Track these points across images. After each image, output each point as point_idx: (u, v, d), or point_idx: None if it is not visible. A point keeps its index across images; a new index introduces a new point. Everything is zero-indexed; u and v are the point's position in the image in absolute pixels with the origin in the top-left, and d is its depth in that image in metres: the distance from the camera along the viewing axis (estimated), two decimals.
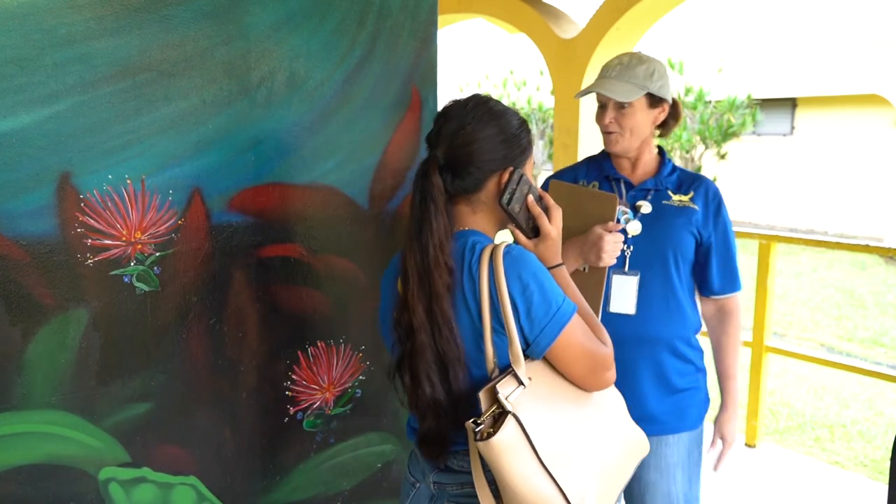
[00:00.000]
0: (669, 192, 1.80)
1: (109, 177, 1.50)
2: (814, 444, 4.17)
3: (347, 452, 1.98)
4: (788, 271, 9.17)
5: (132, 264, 1.56)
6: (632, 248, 1.74)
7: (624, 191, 1.82)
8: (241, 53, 1.64)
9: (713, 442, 1.93)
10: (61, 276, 1.48)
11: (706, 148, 12.09)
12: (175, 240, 1.61)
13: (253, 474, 1.81)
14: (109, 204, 1.51)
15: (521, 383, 1.20)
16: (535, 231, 1.35)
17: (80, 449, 1.55)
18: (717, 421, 1.92)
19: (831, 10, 12.35)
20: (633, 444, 1.36)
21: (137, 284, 1.58)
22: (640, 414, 1.69)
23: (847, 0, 12.13)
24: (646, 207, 1.77)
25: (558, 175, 1.96)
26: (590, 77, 4.18)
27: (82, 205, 1.48)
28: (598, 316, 1.65)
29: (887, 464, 2.03)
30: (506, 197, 1.28)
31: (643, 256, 1.75)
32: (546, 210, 1.35)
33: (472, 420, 1.19)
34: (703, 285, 1.85)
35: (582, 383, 1.28)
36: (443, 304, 1.24)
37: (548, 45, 4.40)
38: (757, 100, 11.80)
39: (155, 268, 1.59)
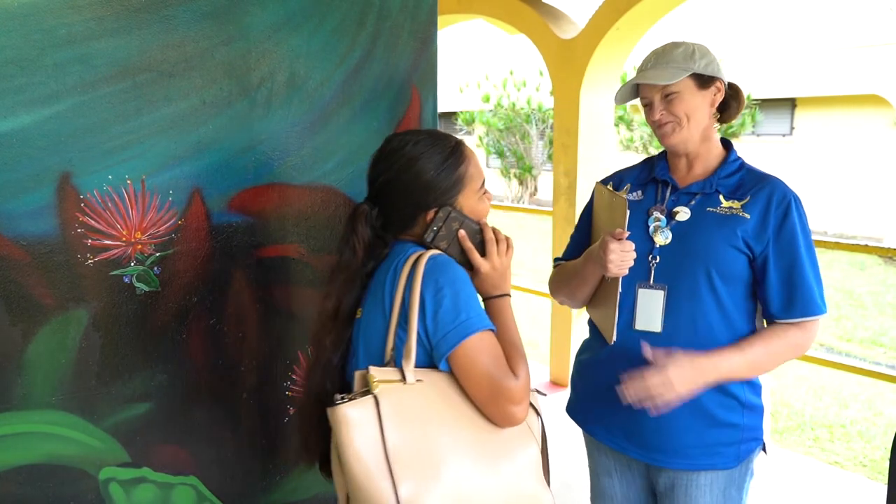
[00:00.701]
0: (721, 197, 1.56)
1: (109, 177, 1.50)
2: (813, 444, 4.18)
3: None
4: None
5: (132, 264, 1.56)
6: (658, 258, 1.55)
7: (667, 195, 1.61)
8: (242, 54, 1.64)
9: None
10: (61, 276, 1.48)
11: None
12: (175, 240, 1.61)
13: (253, 474, 1.81)
14: (109, 204, 1.51)
15: (403, 378, 1.22)
16: (468, 261, 1.35)
17: (80, 449, 1.55)
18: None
19: (830, 10, 12.36)
20: (525, 500, 1.27)
21: (137, 285, 1.58)
22: (666, 445, 1.55)
23: (846, 0, 12.14)
24: (683, 214, 1.56)
25: (611, 177, 1.77)
26: (590, 77, 4.18)
27: (82, 205, 1.48)
28: (611, 334, 1.55)
29: (886, 464, 2.03)
30: (429, 235, 1.31)
31: (671, 270, 1.54)
32: (482, 243, 1.35)
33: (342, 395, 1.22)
34: (763, 307, 1.55)
35: (485, 410, 1.24)
36: (326, 345, 1.36)
37: (547, 46, 4.40)
38: (756, 100, 11.81)
39: (155, 268, 1.59)
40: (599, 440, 1.68)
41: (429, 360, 1.26)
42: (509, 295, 1.37)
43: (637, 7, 3.88)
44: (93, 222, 1.50)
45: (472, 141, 15.93)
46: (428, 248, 1.31)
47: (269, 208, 1.74)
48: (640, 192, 1.65)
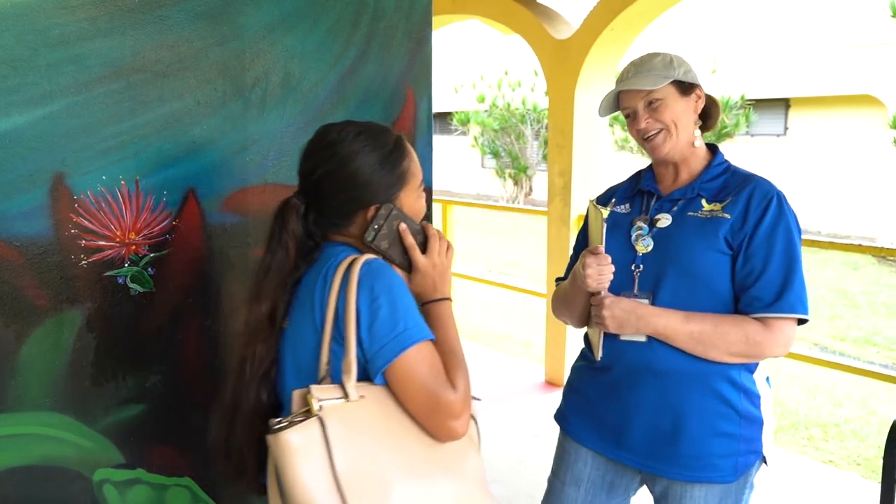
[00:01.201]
0: (703, 201, 1.55)
1: (103, 177, 1.50)
2: (807, 443, 4.19)
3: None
4: None
5: (126, 265, 1.56)
6: (641, 267, 1.54)
7: (651, 204, 1.61)
8: (236, 54, 1.64)
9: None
10: (55, 277, 1.47)
11: None
12: (169, 240, 1.61)
13: None
14: (103, 205, 1.51)
15: (346, 395, 1.14)
16: (411, 265, 1.28)
17: (74, 450, 1.55)
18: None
19: (824, 10, 12.40)
20: None
21: (132, 285, 1.57)
22: (659, 451, 1.53)
23: (839, 1, 12.19)
24: (664, 221, 1.56)
25: (605, 193, 1.77)
26: (585, 78, 4.19)
27: (76, 206, 1.48)
28: (597, 350, 1.55)
29: (880, 462, 2.04)
30: (370, 234, 1.23)
31: (653, 277, 1.53)
32: (425, 242, 1.29)
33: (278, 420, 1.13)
34: (736, 302, 1.52)
35: (424, 424, 1.17)
36: (257, 346, 1.26)
37: (542, 46, 4.41)
38: (750, 100, 11.84)
39: (149, 269, 1.59)
40: (589, 447, 1.65)
41: (364, 374, 1.18)
42: (450, 299, 1.30)
43: (631, 7, 3.89)
44: (87, 223, 1.49)
45: (468, 141, 15.93)
46: (367, 247, 1.24)
47: (264, 209, 1.74)
48: (627, 206, 1.66)
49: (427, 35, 1.98)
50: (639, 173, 1.72)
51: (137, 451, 1.63)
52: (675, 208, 1.57)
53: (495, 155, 15.53)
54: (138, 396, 1.61)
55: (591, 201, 1.64)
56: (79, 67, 1.44)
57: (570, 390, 1.74)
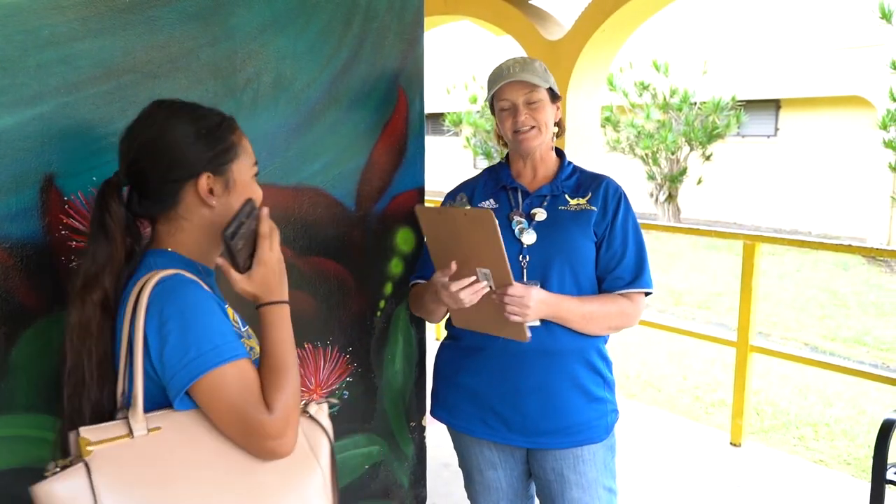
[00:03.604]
0: (567, 197, 1.75)
1: (94, 178, 1.49)
2: (798, 442, 4.21)
3: (335, 454, 1.97)
4: (773, 272, 9.25)
5: None
6: (528, 257, 1.69)
7: (521, 200, 1.76)
8: (227, 55, 1.64)
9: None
10: (45, 279, 1.46)
11: (691, 149, 12.17)
12: None
13: None
14: None
15: (130, 433, 1.03)
16: (249, 265, 1.16)
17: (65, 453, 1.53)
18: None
19: (814, 12, 12.47)
20: None
21: None
22: (549, 427, 1.72)
23: (829, 2, 12.26)
24: (540, 215, 1.73)
25: (454, 191, 1.87)
26: (577, 78, 4.20)
27: (66, 207, 1.47)
28: (525, 333, 1.58)
29: (870, 462, 2.05)
30: (231, 229, 1.11)
31: (540, 266, 1.69)
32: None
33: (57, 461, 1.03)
34: (599, 282, 1.74)
35: (242, 447, 1.09)
36: (85, 339, 1.14)
37: (534, 47, 4.41)
38: (741, 101, 11.89)
39: None
40: (478, 437, 1.79)
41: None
42: (286, 302, 1.19)
43: (623, 9, 3.90)
44: (77, 224, 1.48)
45: (460, 142, 15.93)
46: (222, 242, 1.11)
47: None
48: (492, 201, 1.79)
49: (419, 36, 1.98)
50: (493, 170, 1.88)
51: None
52: (545, 203, 1.75)
53: (487, 156, 15.51)
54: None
55: (446, 205, 1.65)
56: (69, 68, 1.43)
57: (443, 386, 1.86)
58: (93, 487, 0.98)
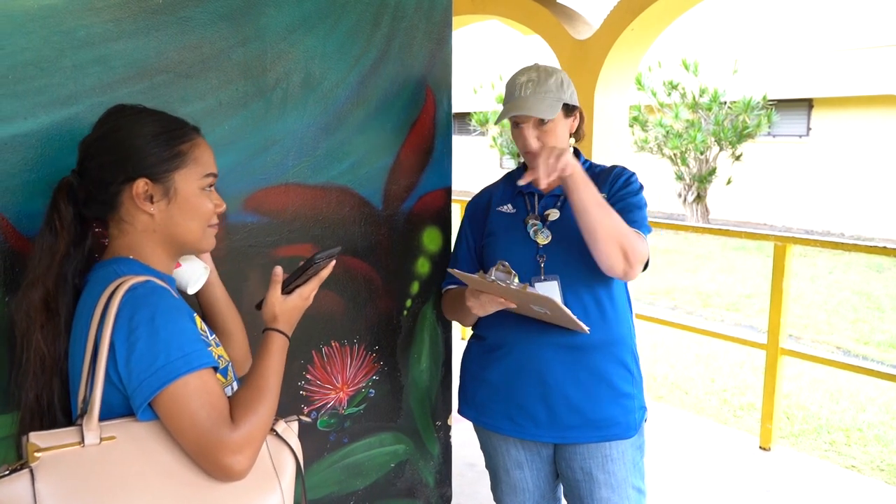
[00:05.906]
0: None
1: None
2: (829, 448, 4.14)
3: (361, 452, 1.99)
4: (804, 273, 9.10)
5: None
6: (545, 256, 1.72)
7: (536, 202, 1.79)
8: (257, 55, 1.65)
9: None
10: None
11: (721, 149, 12.03)
12: None
13: None
14: None
15: (81, 441, 1.01)
16: (289, 292, 1.28)
17: None
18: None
19: (847, 10, 12.25)
20: None
21: None
22: (576, 420, 1.72)
23: (863, 0, 12.03)
24: (553, 215, 1.75)
25: (480, 194, 1.91)
26: (605, 78, 4.17)
27: None
28: (582, 325, 1.60)
29: None
30: (319, 255, 1.25)
31: (559, 262, 1.72)
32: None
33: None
34: None
35: (197, 463, 1.06)
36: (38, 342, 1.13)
37: (562, 47, 4.40)
38: (772, 101, 11.72)
39: None
40: (506, 434, 1.79)
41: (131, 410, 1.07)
42: (288, 338, 1.25)
43: (652, 8, 3.87)
44: None
45: (486, 142, 15.92)
46: (305, 264, 1.24)
47: (284, 208, 1.75)
48: (510, 206, 1.82)
49: (447, 35, 1.98)
50: (511, 175, 1.89)
51: None
52: (559, 203, 1.77)
53: (513, 156, 15.50)
54: None
55: (469, 276, 1.62)
56: (103, 68, 1.45)
57: (471, 384, 1.86)
58: (35, 494, 0.97)
